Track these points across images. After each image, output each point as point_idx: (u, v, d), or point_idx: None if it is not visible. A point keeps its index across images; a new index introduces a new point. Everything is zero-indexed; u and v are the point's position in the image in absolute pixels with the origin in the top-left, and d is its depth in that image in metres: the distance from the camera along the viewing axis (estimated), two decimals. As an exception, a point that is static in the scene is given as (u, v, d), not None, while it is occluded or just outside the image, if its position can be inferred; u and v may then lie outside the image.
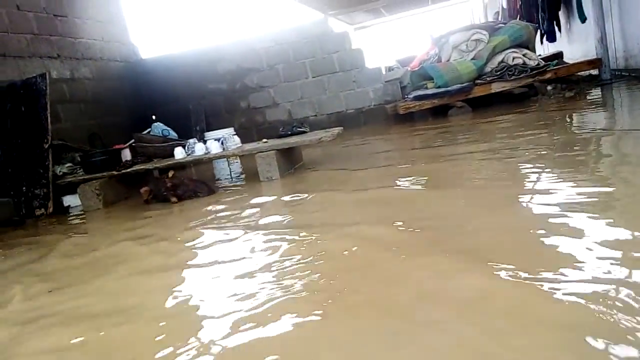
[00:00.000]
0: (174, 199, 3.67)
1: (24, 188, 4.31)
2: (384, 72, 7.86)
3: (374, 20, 23.90)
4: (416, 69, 6.82)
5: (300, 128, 4.39)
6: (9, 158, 4.45)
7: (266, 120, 7.64)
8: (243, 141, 4.41)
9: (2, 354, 1.52)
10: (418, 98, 6.10)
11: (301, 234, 2.13)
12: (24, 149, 4.44)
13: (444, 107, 6.05)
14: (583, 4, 6.76)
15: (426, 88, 6.18)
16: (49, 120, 4.46)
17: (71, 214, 4.12)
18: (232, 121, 7.45)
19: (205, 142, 4.24)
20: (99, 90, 6.80)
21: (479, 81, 5.95)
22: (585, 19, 6.81)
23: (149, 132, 4.73)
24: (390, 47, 23.70)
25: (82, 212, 4.06)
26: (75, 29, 6.61)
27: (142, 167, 4.17)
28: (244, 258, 1.97)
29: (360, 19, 22.35)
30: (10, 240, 3.40)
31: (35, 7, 6.06)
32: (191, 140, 4.22)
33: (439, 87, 6.01)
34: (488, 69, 5.97)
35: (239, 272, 1.81)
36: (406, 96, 6.56)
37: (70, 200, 4.28)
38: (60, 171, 4.45)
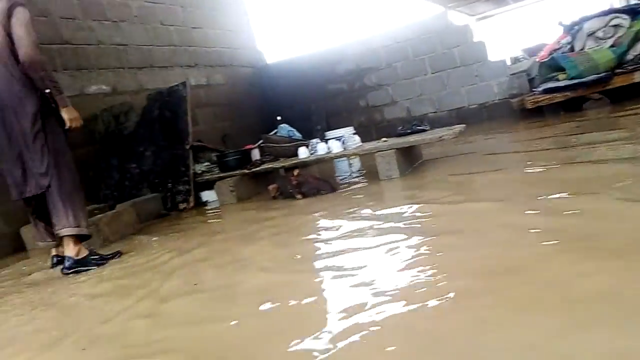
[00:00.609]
0: (299, 196, 3.87)
1: (169, 185, 4.84)
2: (509, 63, 7.49)
3: (497, 10, 22.67)
4: (545, 59, 6.39)
5: (420, 126, 4.37)
6: (157, 158, 5.03)
7: (384, 118, 7.69)
8: (362, 140, 4.51)
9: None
10: (548, 91, 5.72)
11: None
12: (169, 150, 4.98)
13: (578, 100, 5.61)
14: None
15: (557, 80, 5.76)
16: (189, 123, 4.96)
17: (210, 208, 4.55)
18: (351, 120, 7.61)
19: (326, 141, 4.41)
20: (230, 95, 7.38)
21: (618, 70, 5.42)
22: None
23: (275, 133, 5.04)
24: (515, 36, 22.29)
25: (219, 207, 4.47)
26: (209, 39, 7.24)
27: (270, 166, 4.46)
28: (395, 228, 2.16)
29: (482, 9, 21.32)
30: (182, 222, 3.91)
31: (175, 21, 6.75)
32: (314, 140, 4.42)
33: (571, 78, 5.58)
34: (630, 56, 5.41)
35: (398, 240, 2.02)
36: (534, 89, 6.19)
37: (208, 195, 4.73)
38: (199, 169, 4.93)
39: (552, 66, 5.96)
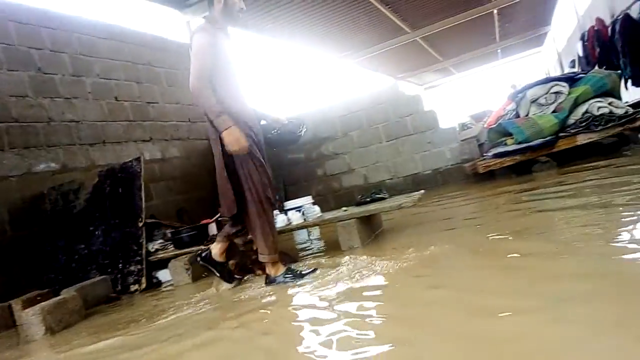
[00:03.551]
0: (258, 271, 3.72)
1: (120, 265, 4.58)
2: (458, 129, 7.78)
3: (444, 79, 24.05)
4: (493, 125, 6.68)
5: (379, 194, 4.37)
6: (107, 237, 4.79)
7: (342, 186, 7.73)
8: (321, 209, 4.46)
9: None
10: (498, 155, 5.93)
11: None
12: (121, 228, 4.76)
13: (527, 162, 5.82)
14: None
15: (505, 144, 6.00)
16: (143, 200, 4.79)
17: (163, 289, 4.29)
18: (309, 189, 7.62)
19: (286, 212, 4.33)
20: (186, 168, 7.26)
21: (562, 134, 5.70)
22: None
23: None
24: (462, 102, 23.55)
25: (172, 287, 4.22)
26: (166, 113, 7.21)
27: (227, 240, 4.31)
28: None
29: (430, 79, 22.60)
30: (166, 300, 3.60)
31: (131, 97, 6.71)
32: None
33: (519, 142, 5.81)
34: (571, 120, 5.72)
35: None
36: (485, 154, 6.40)
37: (162, 275, 4.49)
38: (152, 247, 4.71)
39: (500, 132, 6.22)
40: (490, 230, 3.11)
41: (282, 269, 3.16)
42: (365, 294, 2.37)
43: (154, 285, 4.49)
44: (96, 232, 4.83)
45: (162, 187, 6.67)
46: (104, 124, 6.23)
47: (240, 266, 3.88)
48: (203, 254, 3.34)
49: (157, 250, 4.72)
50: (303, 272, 3.13)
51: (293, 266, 3.32)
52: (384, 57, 14.65)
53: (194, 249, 4.35)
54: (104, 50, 6.52)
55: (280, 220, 4.20)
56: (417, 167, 7.34)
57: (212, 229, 4.74)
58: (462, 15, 12.26)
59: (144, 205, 4.76)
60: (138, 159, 5.04)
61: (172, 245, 4.70)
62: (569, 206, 3.19)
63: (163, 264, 4.48)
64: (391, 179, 7.46)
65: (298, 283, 3.00)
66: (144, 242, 4.60)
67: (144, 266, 4.47)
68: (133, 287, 4.40)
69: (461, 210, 4.52)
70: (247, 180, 3.09)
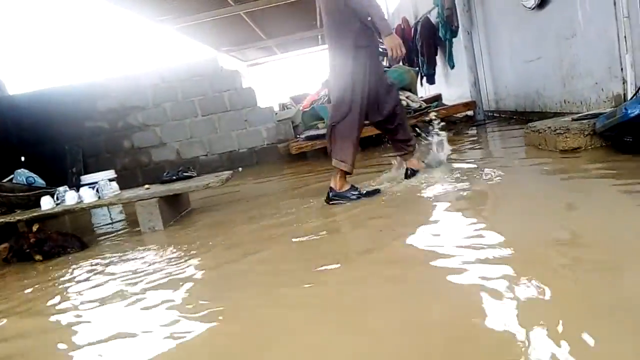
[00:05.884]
0: (38, 257, 3.23)
1: None
2: (277, 109, 7.87)
3: (267, 58, 24.28)
4: (307, 109, 6.90)
5: (187, 172, 4.14)
6: None
7: (152, 160, 7.22)
8: (127, 183, 4.10)
9: None
10: (310, 138, 6.13)
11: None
12: None
13: (335, 146, 6.13)
14: (455, 52, 7.36)
15: (317, 128, 6.24)
16: None
17: None
18: (114, 162, 6.96)
19: (78, 189, 3.83)
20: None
21: (367, 121, 6.12)
22: (454, 65, 7.43)
23: (11, 179, 4.18)
24: (284, 83, 24.12)
25: None
26: None
27: (1, 220, 3.65)
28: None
29: (253, 56, 22.56)
30: None
31: None
32: (61, 189, 3.78)
33: (329, 127, 6.09)
34: (375, 109, 6.18)
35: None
36: (298, 136, 6.58)
37: None
38: None
39: (314, 115, 6.45)
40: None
41: (347, 186, 3.17)
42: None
43: None
44: None
45: None
46: None
47: (15, 250, 3.33)
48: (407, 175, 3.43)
49: None
50: (366, 192, 3.19)
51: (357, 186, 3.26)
52: (206, 28, 14.03)
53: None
54: None
55: (69, 198, 3.71)
56: (233, 144, 7.21)
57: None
58: (285, -4, 12.36)
59: None
60: None
61: None
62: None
63: None
64: (206, 155, 7.21)
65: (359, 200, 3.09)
66: None
67: None
68: None
69: (272, 189, 4.54)
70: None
